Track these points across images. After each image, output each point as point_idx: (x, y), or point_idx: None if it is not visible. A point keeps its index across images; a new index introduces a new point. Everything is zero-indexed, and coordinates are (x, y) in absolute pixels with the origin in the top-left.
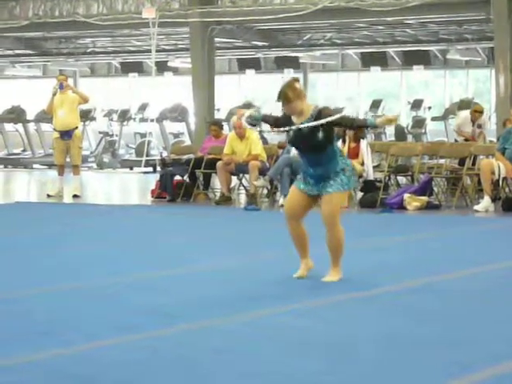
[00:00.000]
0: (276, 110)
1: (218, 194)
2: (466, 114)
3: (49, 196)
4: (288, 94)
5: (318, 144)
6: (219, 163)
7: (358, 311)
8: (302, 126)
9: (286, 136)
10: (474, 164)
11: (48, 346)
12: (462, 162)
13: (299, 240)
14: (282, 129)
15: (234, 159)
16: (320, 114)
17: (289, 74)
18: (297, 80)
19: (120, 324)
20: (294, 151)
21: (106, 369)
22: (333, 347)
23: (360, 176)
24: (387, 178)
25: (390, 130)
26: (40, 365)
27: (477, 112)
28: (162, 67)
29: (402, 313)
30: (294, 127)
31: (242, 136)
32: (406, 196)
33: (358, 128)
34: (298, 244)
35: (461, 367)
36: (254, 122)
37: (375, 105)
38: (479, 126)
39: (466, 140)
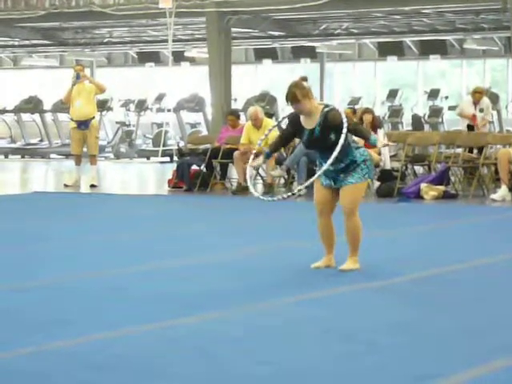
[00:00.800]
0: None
1: (235, 184)
2: (468, 97)
3: (66, 186)
4: (296, 94)
5: (332, 144)
6: (236, 153)
7: (372, 301)
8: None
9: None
10: (480, 153)
11: (67, 334)
12: (470, 150)
13: (327, 236)
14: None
15: (251, 148)
16: (327, 119)
17: (305, 63)
18: (304, 79)
19: (138, 313)
20: None
21: (125, 358)
22: (350, 336)
23: (377, 165)
24: (404, 167)
25: (407, 119)
26: (59, 353)
27: (476, 93)
28: (178, 57)
29: (418, 302)
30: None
31: (258, 126)
32: (423, 185)
33: (359, 136)
34: (325, 240)
35: (472, 358)
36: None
37: (392, 94)
38: (481, 110)
39: (469, 126)
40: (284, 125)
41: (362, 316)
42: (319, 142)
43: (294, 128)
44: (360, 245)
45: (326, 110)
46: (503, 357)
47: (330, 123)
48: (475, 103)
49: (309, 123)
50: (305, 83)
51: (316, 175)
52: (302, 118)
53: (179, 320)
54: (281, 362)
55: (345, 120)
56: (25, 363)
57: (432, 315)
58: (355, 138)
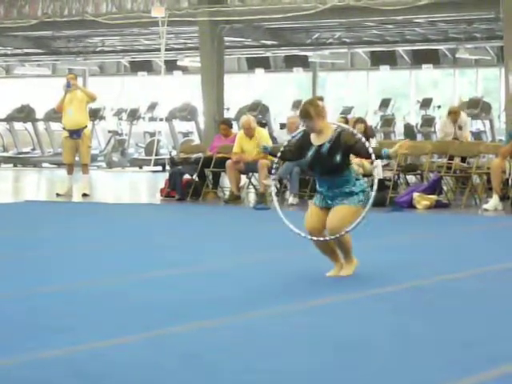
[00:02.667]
0: (284, 109)
1: (228, 193)
2: (444, 118)
3: (58, 195)
4: (309, 111)
5: (335, 167)
6: (228, 162)
7: (366, 309)
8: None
9: (303, 159)
10: (463, 161)
11: (59, 343)
12: (462, 160)
13: (326, 251)
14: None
15: (243, 158)
16: (339, 138)
17: (298, 72)
18: (320, 99)
19: (132, 322)
20: None
21: (116, 367)
22: (343, 345)
23: (369, 175)
24: (396, 176)
25: (399, 129)
26: (54, 361)
27: (451, 113)
28: (171, 66)
29: (411, 311)
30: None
31: (250, 135)
32: (416, 195)
33: (364, 157)
34: (327, 254)
35: (469, 366)
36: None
37: (384, 104)
38: (460, 128)
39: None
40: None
41: (357, 324)
42: (324, 161)
43: (303, 144)
44: (352, 248)
45: (340, 129)
46: (500, 365)
47: (342, 142)
48: (453, 122)
49: (318, 140)
50: (320, 102)
51: (364, 213)
52: (312, 135)
53: (171, 328)
54: (273, 370)
55: (359, 137)
56: (21, 371)
57: (426, 324)
58: (355, 167)
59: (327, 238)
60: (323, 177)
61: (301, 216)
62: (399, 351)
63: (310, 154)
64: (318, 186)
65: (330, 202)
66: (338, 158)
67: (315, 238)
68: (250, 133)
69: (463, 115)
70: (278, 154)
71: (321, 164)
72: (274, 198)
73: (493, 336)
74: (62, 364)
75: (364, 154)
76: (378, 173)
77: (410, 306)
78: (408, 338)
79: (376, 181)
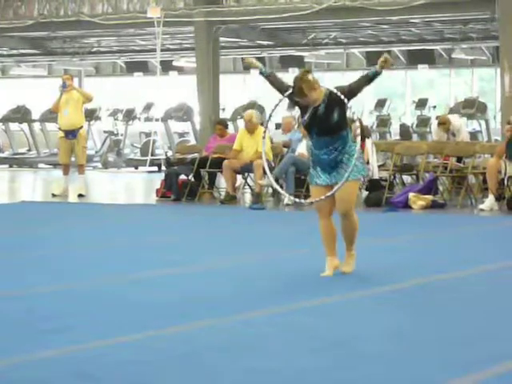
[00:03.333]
0: (279, 109)
1: (223, 194)
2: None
3: (54, 195)
4: (303, 89)
5: (333, 125)
6: (225, 162)
7: (363, 310)
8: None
9: (301, 121)
10: (459, 161)
11: (56, 344)
12: (458, 160)
13: (328, 237)
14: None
15: (240, 159)
16: (331, 96)
17: (294, 73)
18: (308, 71)
19: (127, 323)
20: (298, 151)
21: (115, 366)
22: (340, 344)
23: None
24: (392, 177)
25: (395, 129)
26: (52, 361)
27: (440, 124)
28: (166, 66)
29: (409, 311)
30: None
31: (251, 131)
32: (411, 195)
33: (368, 83)
34: (326, 241)
35: (468, 366)
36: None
37: (380, 104)
38: (453, 134)
39: None
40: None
41: (354, 324)
42: (321, 121)
43: (302, 110)
44: (353, 243)
45: (330, 89)
46: (500, 364)
47: (336, 97)
48: (445, 131)
49: (313, 104)
50: (309, 76)
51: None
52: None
53: (169, 328)
54: (270, 371)
55: (346, 87)
56: (20, 371)
57: (422, 323)
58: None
59: (327, 194)
60: (321, 137)
61: (297, 216)
62: (398, 350)
63: (307, 115)
64: (314, 151)
65: (329, 176)
66: (335, 116)
67: (317, 199)
68: (250, 127)
69: (455, 121)
70: (268, 74)
71: (318, 125)
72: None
73: (491, 334)
74: (61, 364)
75: (358, 87)
76: (374, 173)
77: (407, 306)
78: (406, 337)
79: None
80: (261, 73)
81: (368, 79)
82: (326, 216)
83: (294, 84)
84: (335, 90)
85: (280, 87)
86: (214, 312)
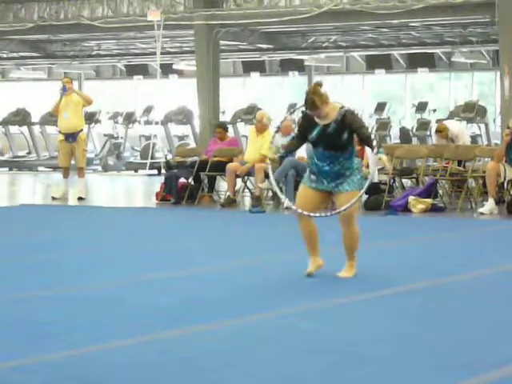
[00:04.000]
0: (279, 112)
1: (223, 197)
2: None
3: (54, 198)
4: (315, 101)
5: (341, 144)
6: (228, 165)
7: (362, 313)
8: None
9: (308, 137)
10: (459, 165)
11: (55, 347)
12: (458, 163)
13: (310, 237)
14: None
15: (245, 168)
16: (344, 119)
17: (293, 76)
18: (320, 84)
19: (126, 326)
20: (298, 154)
21: (113, 371)
22: (339, 348)
23: (365, 178)
24: (392, 180)
25: (395, 132)
26: (48, 366)
27: (438, 132)
28: (166, 70)
29: (408, 315)
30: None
31: (260, 131)
32: (411, 198)
33: (366, 144)
34: (308, 241)
35: (468, 370)
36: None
37: (380, 107)
38: (452, 141)
39: None
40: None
41: (353, 328)
42: (331, 139)
43: (306, 125)
44: (355, 253)
45: (345, 109)
46: (496, 369)
47: (348, 123)
48: (444, 138)
49: (323, 120)
50: (321, 89)
51: (367, 183)
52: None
53: (167, 332)
54: (268, 375)
55: (363, 122)
56: (19, 374)
57: (422, 327)
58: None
59: (323, 214)
60: (327, 151)
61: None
62: (398, 354)
63: (315, 132)
64: (316, 161)
65: (327, 183)
66: (345, 136)
67: (312, 214)
68: (259, 128)
69: (454, 127)
70: (287, 150)
71: (326, 142)
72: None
73: (492, 338)
74: (60, 367)
75: (364, 140)
76: (373, 176)
77: (406, 309)
78: (405, 341)
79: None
80: (282, 157)
81: (371, 146)
82: (305, 217)
83: (307, 97)
84: (351, 118)
85: (298, 143)
86: (213, 315)
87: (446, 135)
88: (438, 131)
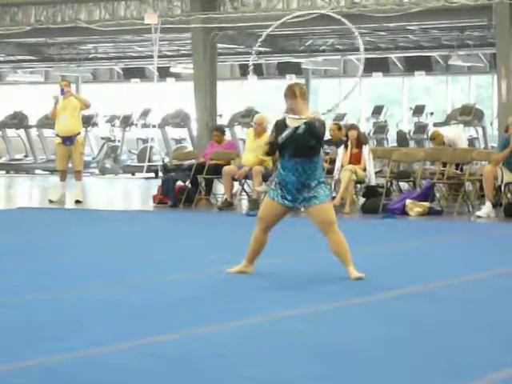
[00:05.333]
0: (277, 116)
1: (220, 200)
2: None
3: (51, 202)
4: (295, 90)
5: (308, 149)
6: (225, 168)
7: (358, 317)
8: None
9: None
10: (457, 169)
11: (53, 350)
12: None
13: (257, 247)
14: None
15: (242, 172)
16: (314, 125)
17: (291, 79)
18: (304, 85)
19: (124, 329)
20: None
21: (113, 374)
22: (338, 351)
23: (362, 181)
24: (389, 183)
25: (392, 136)
26: (46, 369)
27: (432, 139)
28: (164, 73)
29: (403, 319)
30: (290, 130)
31: (258, 133)
32: (408, 202)
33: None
34: (252, 248)
35: (466, 373)
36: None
37: (377, 111)
38: (450, 146)
39: None
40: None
41: (352, 331)
42: (299, 141)
43: (278, 130)
44: (350, 255)
45: (317, 118)
46: (496, 371)
47: (315, 131)
48: (439, 145)
49: (294, 123)
50: (304, 87)
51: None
52: (288, 120)
53: (165, 336)
54: (268, 378)
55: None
56: (16, 378)
57: (420, 330)
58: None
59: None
60: (293, 159)
61: (294, 222)
62: (395, 358)
63: (284, 134)
64: (282, 171)
65: (293, 198)
66: (314, 141)
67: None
68: (259, 131)
69: (448, 133)
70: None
71: (294, 144)
72: None
73: (489, 341)
74: (59, 371)
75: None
76: (371, 179)
77: (403, 313)
78: (403, 344)
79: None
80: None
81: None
82: (264, 229)
83: (289, 85)
84: (316, 128)
85: (275, 148)
86: (212, 319)
87: (440, 142)
88: (431, 139)
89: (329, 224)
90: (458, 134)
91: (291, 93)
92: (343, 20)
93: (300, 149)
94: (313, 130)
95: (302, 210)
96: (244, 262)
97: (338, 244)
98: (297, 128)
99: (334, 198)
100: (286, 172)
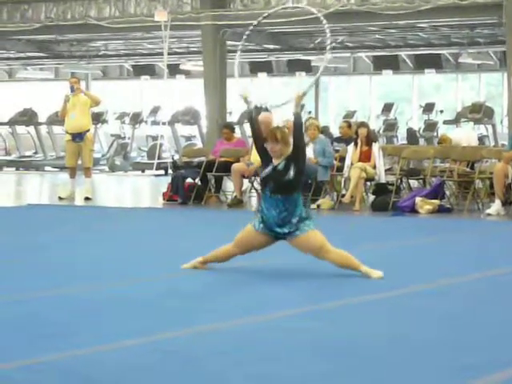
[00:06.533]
0: (286, 113)
1: (230, 197)
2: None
3: (60, 198)
4: (277, 134)
5: (288, 182)
6: (234, 165)
7: (367, 314)
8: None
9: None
10: (467, 166)
11: (58, 347)
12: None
13: (222, 258)
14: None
15: (251, 169)
16: (289, 156)
17: (300, 77)
18: (287, 128)
19: (130, 326)
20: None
21: (116, 372)
22: (342, 349)
23: (372, 179)
24: (399, 181)
25: (402, 133)
26: (51, 366)
27: (440, 143)
28: (173, 70)
29: (412, 315)
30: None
31: (265, 132)
32: (418, 199)
33: (300, 129)
34: (217, 257)
35: (473, 371)
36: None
37: (387, 108)
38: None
39: None
40: None
41: (358, 329)
42: (279, 176)
43: (265, 156)
44: (355, 262)
45: (292, 152)
46: (499, 370)
47: (294, 156)
48: None
49: (276, 159)
50: (287, 131)
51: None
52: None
53: (171, 333)
54: (272, 376)
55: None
56: (20, 375)
57: (427, 328)
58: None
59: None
60: (274, 195)
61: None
62: (401, 355)
63: (267, 170)
64: (264, 207)
65: (277, 229)
66: (292, 172)
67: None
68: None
69: (457, 136)
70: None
71: (274, 180)
72: None
73: (496, 340)
74: (62, 368)
75: (297, 138)
76: (380, 177)
77: (412, 310)
78: (410, 341)
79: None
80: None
81: (297, 125)
82: (240, 252)
83: (272, 129)
84: (295, 155)
85: (258, 134)
86: (217, 316)
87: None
88: (439, 142)
89: (319, 249)
90: (467, 135)
91: (273, 136)
92: (320, 17)
93: (280, 183)
94: (292, 156)
95: (287, 242)
96: (201, 258)
97: (339, 258)
98: (277, 165)
99: (343, 195)
100: (267, 207)
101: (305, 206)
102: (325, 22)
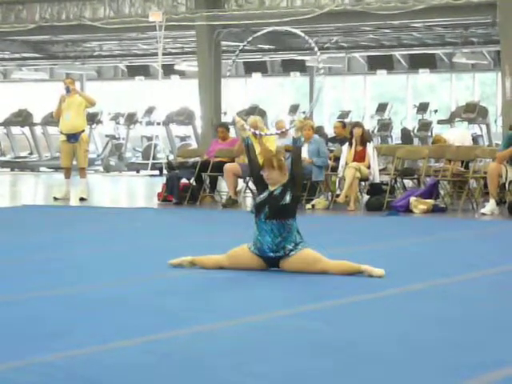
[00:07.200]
0: (281, 113)
1: (225, 197)
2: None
3: (55, 199)
4: (273, 162)
5: (284, 208)
6: (226, 166)
7: (365, 313)
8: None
9: (256, 197)
10: (464, 167)
11: (57, 348)
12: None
13: (212, 266)
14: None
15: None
16: (287, 183)
17: (295, 77)
18: (284, 156)
19: (127, 326)
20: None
21: (115, 372)
22: (341, 349)
23: (366, 179)
24: (393, 180)
25: (396, 133)
26: (50, 366)
27: (434, 143)
28: (168, 70)
29: (410, 315)
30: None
31: (254, 136)
32: (413, 199)
33: (299, 156)
34: (207, 264)
35: (469, 370)
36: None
37: (381, 108)
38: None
39: None
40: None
41: (356, 328)
42: (275, 202)
43: (260, 183)
44: (353, 265)
45: (290, 178)
46: (499, 369)
47: (291, 182)
48: None
49: (272, 185)
50: (283, 158)
51: None
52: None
53: (169, 333)
54: (272, 375)
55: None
56: (19, 375)
57: (425, 327)
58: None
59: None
60: (269, 221)
61: (298, 220)
62: (399, 354)
63: (262, 195)
64: (259, 236)
65: (271, 254)
66: (288, 197)
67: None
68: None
69: (451, 136)
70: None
71: (270, 204)
72: None
73: (493, 339)
74: (61, 368)
75: (296, 166)
76: (375, 177)
77: (407, 310)
78: (407, 341)
79: None
80: (244, 140)
81: (296, 150)
82: (229, 265)
83: (268, 156)
84: (293, 182)
85: (255, 162)
86: (215, 316)
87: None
88: (433, 142)
89: (316, 263)
90: (461, 135)
91: (269, 164)
92: (299, 33)
93: (276, 209)
94: (289, 182)
95: (281, 268)
96: (190, 258)
97: (337, 266)
98: (273, 190)
99: (338, 195)
100: (262, 233)
101: (299, 233)
102: (311, 41)
